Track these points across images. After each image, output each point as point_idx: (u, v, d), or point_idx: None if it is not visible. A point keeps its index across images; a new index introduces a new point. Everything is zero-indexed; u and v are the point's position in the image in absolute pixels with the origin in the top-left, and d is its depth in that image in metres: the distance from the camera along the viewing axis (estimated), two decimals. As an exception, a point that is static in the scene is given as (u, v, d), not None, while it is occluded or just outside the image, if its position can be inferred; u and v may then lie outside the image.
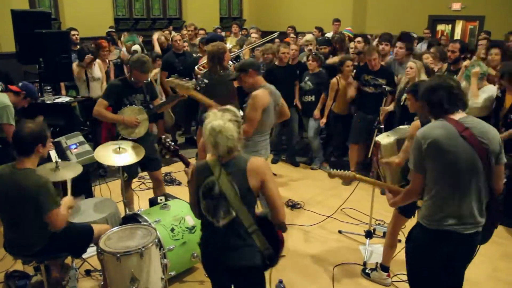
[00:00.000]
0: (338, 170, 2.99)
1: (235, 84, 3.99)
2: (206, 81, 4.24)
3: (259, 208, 2.54)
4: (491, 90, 4.64)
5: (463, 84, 4.60)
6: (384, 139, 3.53)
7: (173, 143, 2.88)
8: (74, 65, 5.65)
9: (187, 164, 2.71)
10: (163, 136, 2.84)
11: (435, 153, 2.26)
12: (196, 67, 5.64)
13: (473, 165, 2.25)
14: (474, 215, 2.32)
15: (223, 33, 8.15)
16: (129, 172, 4.15)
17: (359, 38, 6.26)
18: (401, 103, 4.71)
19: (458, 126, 2.26)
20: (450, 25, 11.21)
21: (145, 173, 4.86)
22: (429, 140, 2.26)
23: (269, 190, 2.31)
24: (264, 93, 3.52)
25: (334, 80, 5.59)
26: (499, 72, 4.50)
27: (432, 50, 5.71)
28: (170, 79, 4.10)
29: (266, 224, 2.38)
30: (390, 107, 5.06)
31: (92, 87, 5.73)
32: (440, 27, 11.26)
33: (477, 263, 3.76)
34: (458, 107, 2.34)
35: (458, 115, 2.33)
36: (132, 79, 3.99)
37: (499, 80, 4.51)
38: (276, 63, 5.88)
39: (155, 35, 7.40)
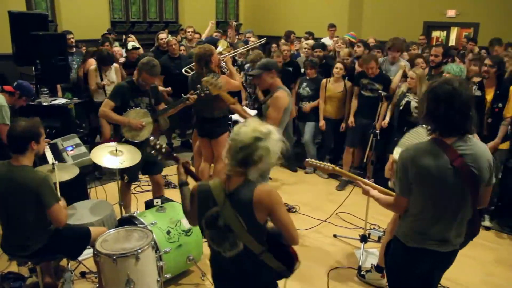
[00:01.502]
0: (315, 162, 3.01)
1: (253, 81, 3.92)
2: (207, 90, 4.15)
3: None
4: None
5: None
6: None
7: (162, 144, 2.70)
8: (92, 69, 5.63)
9: (177, 161, 2.56)
10: (151, 139, 2.68)
11: (423, 181, 2.16)
12: (183, 70, 5.65)
13: (461, 194, 2.16)
14: (455, 238, 2.28)
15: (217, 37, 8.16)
16: (129, 176, 4.15)
17: (359, 43, 6.30)
18: (400, 108, 4.76)
19: (451, 153, 2.10)
20: (445, 32, 11.31)
21: (141, 176, 4.85)
22: (417, 167, 2.15)
23: (279, 220, 2.09)
24: (284, 94, 3.55)
25: (323, 80, 5.73)
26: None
27: (425, 54, 5.78)
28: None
29: (277, 240, 2.18)
30: (386, 120, 5.08)
31: (109, 91, 5.71)
32: (435, 34, 11.35)
33: (470, 268, 3.83)
34: (463, 131, 2.14)
35: (454, 138, 2.14)
36: (140, 81, 3.98)
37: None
38: None
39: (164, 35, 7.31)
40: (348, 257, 4.05)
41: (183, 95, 4.28)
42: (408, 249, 2.31)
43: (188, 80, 4.68)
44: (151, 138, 2.70)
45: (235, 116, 5.13)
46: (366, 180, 2.76)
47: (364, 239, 4.10)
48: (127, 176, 4.12)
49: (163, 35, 7.08)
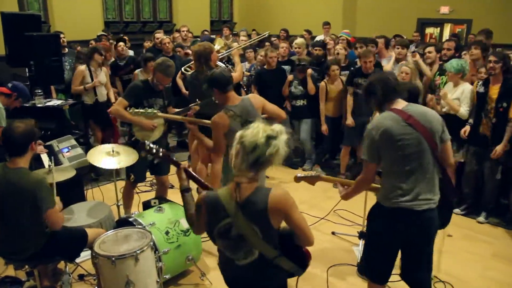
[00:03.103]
0: (303, 174, 3.24)
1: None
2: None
3: None
4: (466, 87, 4.67)
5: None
6: None
7: (156, 146, 2.56)
8: (81, 69, 5.61)
9: (178, 165, 2.41)
10: (146, 142, 2.53)
11: (387, 141, 2.48)
12: (182, 68, 5.63)
13: (420, 147, 2.48)
14: (425, 192, 2.52)
15: (213, 36, 8.15)
16: (136, 175, 4.08)
17: (361, 43, 6.23)
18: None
19: (402, 114, 2.50)
20: (438, 28, 11.36)
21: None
22: (380, 130, 2.49)
23: (294, 223, 2.05)
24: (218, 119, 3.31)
25: (322, 83, 5.67)
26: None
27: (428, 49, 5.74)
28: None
29: (290, 240, 2.14)
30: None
31: (99, 91, 5.72)
32: (429, 30, 11.40)
33: (468, 263, 3.85)
34: (396, 95, 2.59)
35: (400, 104, 2.57)
36: (155, 81, 3.92)
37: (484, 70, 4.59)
38: (265, 66, 5.91)
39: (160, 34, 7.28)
40: (346, 254, 4.05)
41: (198, 99, 4.14)
42: (385, 210, 2.59)
43: (187, 79, 4.64)
44: (146, 142, 2.54)
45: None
46: (343, 180, 3.08)
47: (362, 235, 4.10)
48: (134, 175, 4.05)
49: (159, 35, 7.07)
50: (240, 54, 6.03)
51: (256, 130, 1.99)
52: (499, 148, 4.28)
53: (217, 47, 5.16)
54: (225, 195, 2.04)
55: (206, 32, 7.90)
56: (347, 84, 5.54)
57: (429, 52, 5.42)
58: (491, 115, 4.42)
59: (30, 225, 2.81)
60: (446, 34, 11.31)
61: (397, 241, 2.64)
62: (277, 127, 2.03)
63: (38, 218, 2.80)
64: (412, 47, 8.06)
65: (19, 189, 2.71)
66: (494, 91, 4.40)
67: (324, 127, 5.75)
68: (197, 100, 4.26)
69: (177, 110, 4.14)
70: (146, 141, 2.56)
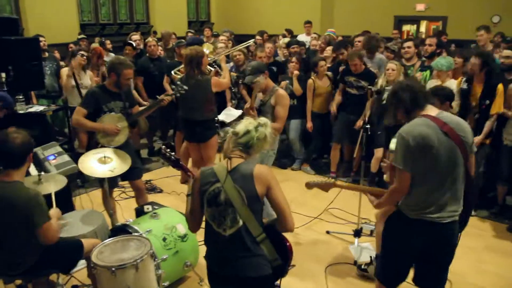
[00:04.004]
0: (316, 180, 3.17)
1: (259, 89, 3.88)
2: (185, 87, 4.14)
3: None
4: (452, 83, 4.76)
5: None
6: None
7: (173, 153, 2.69)
8: (63, 71, 5.43)
9: (189, 173, 2.55)
10: (163, 147, 2.68)
11: (423, 148, 2.34)
12: (172, 72, 5.55)
13: (454, 157, 2.39)
14: (451, 204, 2.46)
15: (201, 37, 8.05)
16: (109, 182, 3.98)
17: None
18: (383, 102, 4.80)
19: (437, 121, 2.38)
20: (415, 25, 11.55)
21: (125, 182, 4.71)
22: (416, 136, 2.35)
23: (276, 197, 2.24)
24: (285, 92, 3.84)
25: (310, 81, 5.69)
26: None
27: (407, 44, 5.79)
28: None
29: (274, 234, 2.31)
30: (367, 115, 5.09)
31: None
32: (406, 27, 11.57)
33: (461, 256, 3.87)
34: (427, 101, 2.50)
35: (433, 111, 2.46)
36: (122, 81, 3.84)
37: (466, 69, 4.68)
38: None
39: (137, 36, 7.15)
40: (343, 253, 4.06)
41: (157, 96, 4.19)
42: (407, 220, 2.51)
43: (176, 83, 4.57)
44: (163, 146, 2.63)
45: (221, 117, 5.06)
46: (372, 188, 3.01)
47: (357, 233, 4.13)
48: (106, 182, 3.96)
49: (136, 37, 6.93)
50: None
51: (248, 121, 2.35)
52: (476, 139, 4.31)
53: (206, 51, 5.11)
54: (218, 167, 2.31)
55: (190, 34, 7.78)
56: (339, 81, 5.55)
57: (408, 47, 5.52)
58: (473, 111, 4.52)
59: (24, 240, 2.67)
60: (422, 31, 11.53)
61: (416, 251, 2.59)
62: (263, 119, 2.38)
63: (31, 235, 2.66)
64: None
65: (13, 204, 2.57)
66: (477, 89, 4.49)
67: (310, 124, 5.77)
68: (188, 105, 4.22)
69: (141, 108, 4.19)
70: (162, 146, 2.67)
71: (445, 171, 2.40)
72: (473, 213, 4.70)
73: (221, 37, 7.62)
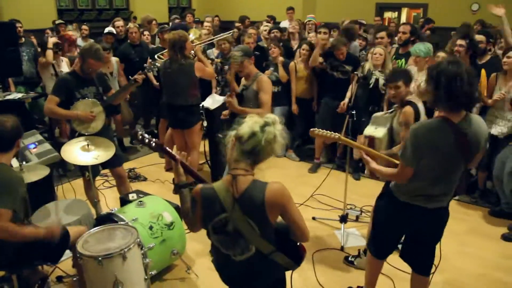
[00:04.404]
0: (322, 131, 3.11)
1: (235, 69, 3.89)
2: (158, 64, 4.13)
3: None
4: None
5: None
6: (375, 132, 3.40)
7: (150, 136, 2.46)
8: (42, 60, 5.28)
9: (174, 159, 2.27)
10: (139, 132, 2.42)
11: (430, 152, 2.36)
12: (156, 56, 5.46)
13: (459, 163, 2.41)
14: (442, 194, 2.51)
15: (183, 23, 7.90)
16: (91, 170, 3.90)
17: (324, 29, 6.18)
18: (370, 87, 4.81)
19: (457, 132, 2.29)
20: (396, 12, 11.60)
21: (107, 170, 4.62)
22: (428, 142, 2.34)
23: (291, 216, 2.02)
24: (267, 78, 3.77)
25: (291, 63, 5.70)
26: None
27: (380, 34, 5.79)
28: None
29: (285, 235, 2.12)
30: (346, 100, 5.06)
31: None
32: (387, 14, 11.62)
33: (445, 239, 3.90)
34: (459, 107, 2.31)
35: (457, 118, 2.32)
36: (85, 69, 3.73)
37: None
38: None
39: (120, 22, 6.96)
40: (329, 239, 4.09)
41: (130, 77, 4.10)
42: (398, 202, 2.59)
43: (160, 68, 4.48)
44: (138, 130, 2.48)
45: (206, 103, 5.00)
46: (378, 153, 2.94)
47: (343, 219, 4.15)
48: (87, 171, 3.85)
49: (119, 23, 6.76)
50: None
51: (252, 120, 1.99)
52: None
53: (191, 37, 5.01)
54: (221, 189, 1.99)
55: (178, 20, 7.63)
56: (324, 61, 5.51)
57: (381, 38, 5.53)
58: None
59: None
60: (403, 18, 11.60)
61: (405, 229, 2.75)
62: (271, 116, 2.02)
63: (15, 220, 2.59)
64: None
65: None
66: None
67: (294, 107, 5.77)
68: (171, 90, 4.14)
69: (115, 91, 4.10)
70: (138, 130, 2.47)
71: (444, 171, 2.43)
72: (455, 197, 4.82)
73: (205, 24, 7.49)
